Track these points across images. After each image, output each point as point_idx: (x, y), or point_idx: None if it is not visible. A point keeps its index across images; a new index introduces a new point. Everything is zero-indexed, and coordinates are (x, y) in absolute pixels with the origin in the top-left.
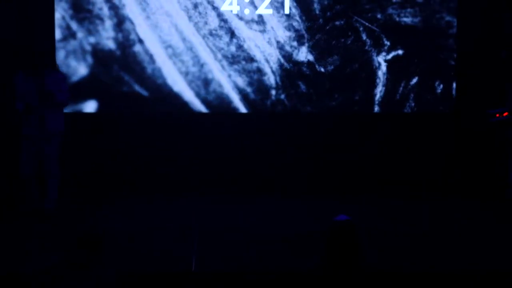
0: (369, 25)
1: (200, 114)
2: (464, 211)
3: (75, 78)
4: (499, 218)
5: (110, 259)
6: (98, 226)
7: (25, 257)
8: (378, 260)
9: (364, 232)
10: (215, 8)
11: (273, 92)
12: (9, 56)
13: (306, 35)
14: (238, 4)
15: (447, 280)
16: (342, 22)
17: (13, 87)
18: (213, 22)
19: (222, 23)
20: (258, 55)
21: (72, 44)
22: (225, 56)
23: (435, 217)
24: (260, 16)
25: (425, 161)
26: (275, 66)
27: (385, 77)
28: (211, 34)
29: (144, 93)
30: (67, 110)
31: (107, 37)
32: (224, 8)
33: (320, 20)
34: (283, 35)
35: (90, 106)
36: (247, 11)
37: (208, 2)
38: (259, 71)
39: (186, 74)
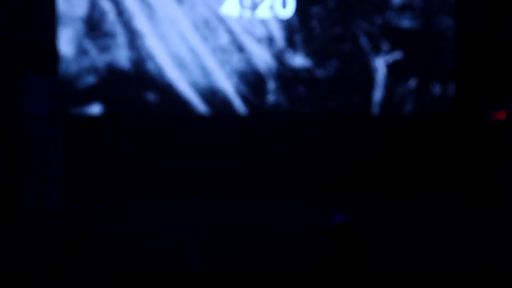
0: (368, 28)
1: (202, 117)
2: (463, 211)
3: (82, 83)
4: (498, 219)
5: (109, 258)
6: (99, 226)
7: (22, 257)
8: (377, 260)
9: (364, 231)
10: (221, 20)
11: (274, 95)
12: (10, 55)
13: (305, 39)
14: (237, 7)
15: (447, 279)
16: (341, 25)
17: (16, 88)
18: (221, 34)
19: (228, 35)
20: (258, 58)
21: (84, 59)
22: (227, 61)
23: (434, 217)
24: (259, 19)
25: (424, 162)
26: (274, 69)
27: (384, 79)
28: (217, 44)
29: (149, 97)
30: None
31: (117, 50)
32: (224, 11)
33: (320, 23)
34: (283, 39)
35: (95, 109)
36: (246, 14)
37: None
38: (259, 73)
39: (189, 77)
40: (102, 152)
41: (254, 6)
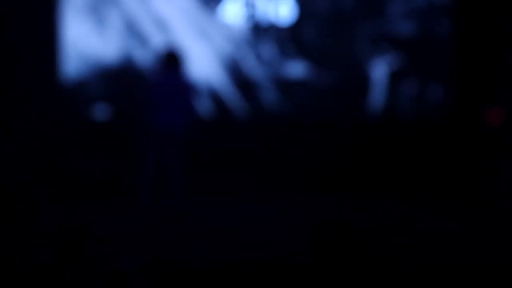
0: (370, 32)
1: (203, 118)
2: (463, 211)
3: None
4: (495, 218)
5: (107, 257)
6: (100, 225)
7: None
8: (378, 260)
9: (364, 231)
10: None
11: (274, 102)
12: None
13: (305, 45)
14: (239, 10)
15: (447, 279)
16: (340, 30)
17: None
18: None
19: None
20: (256, 66)
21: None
22: (227, 67)
23: (434, 217)
24: (258, 28)
25: (424, 163)
26: (274, 76)
27: (386, 82)
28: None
29: None
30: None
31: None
32: (225, 13)
33: (320, 30)
34: (282, 45)
35: (98, 110)
36: (247, 21)
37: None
38: (259, 81)
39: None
40: (104, 153)
41: (254, 13)
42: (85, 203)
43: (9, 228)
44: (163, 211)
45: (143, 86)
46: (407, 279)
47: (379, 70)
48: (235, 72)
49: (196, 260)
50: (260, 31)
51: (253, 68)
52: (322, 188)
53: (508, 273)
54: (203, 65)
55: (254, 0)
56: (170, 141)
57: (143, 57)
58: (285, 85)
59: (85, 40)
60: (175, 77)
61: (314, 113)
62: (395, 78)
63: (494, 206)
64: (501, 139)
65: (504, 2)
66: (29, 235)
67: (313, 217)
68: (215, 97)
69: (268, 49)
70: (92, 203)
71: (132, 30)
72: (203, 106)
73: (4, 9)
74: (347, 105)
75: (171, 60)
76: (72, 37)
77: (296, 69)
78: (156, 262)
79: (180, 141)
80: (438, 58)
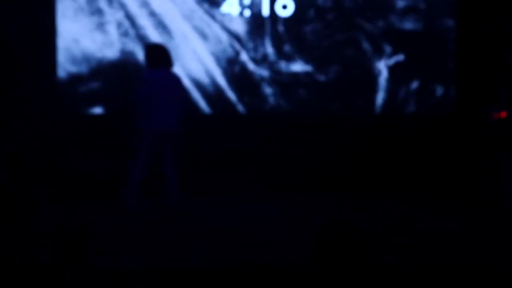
0: (370, 31)
1: (203, 116)
2: (463, 211)
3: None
4: (496, 219)
5: (107, 257)
6: (100, 225)
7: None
8: (378, 260)
9: (364, 231)
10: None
11: (274, 100)
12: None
13: (306, 42)
14: (238, 6)
15: (446, 279)
16: (343, 28)
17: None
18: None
19: (225, 29)
20: (256, 64)
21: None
22: (227, 65)
23: (434, 217)
24: (259, 19)
25: (424, 163)
26: (274, 74)
27: (386, 82)
28: (217, 44)
29: None
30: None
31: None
32: (224, 10)
33: (321, 27)
34: (282, 42)
35: (97, 109)
36: (246, 13)
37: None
38: (259, 79)
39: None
40: (102, 151)
41: (254, 5)
42: (85, 203)
43: (9, 228)
44: (163, 211)
45: (136, 85)
46: (407, 279)
47: (380, 69)
48: (234, 69)
49: (196, 260)
50: (260, 27)
51: (253, 65)
52: (322, 188)
53: (508, 273)
54: (202, 63)
55: None
56: (170, 141)
57: (142, 56)
58: (285, 83)
59: (84, 40)
60: (166, 74)
61: (314, 111)
62: (395, 77)
63: (494, 206)
64: (501, 138)
65: (504, 2)
66: (29, 235)
67: (313, 217)
68: (214, 95)
69: (268, 46)
70: (92, 203)
71: (131, 30)
72: (203, 105)
73: (4, 9)
74: (347, 104)
75: (160, 57)
76: (71, 37)
77: (296, 66)
78: (156, 262)
79: (178, 140)
80: (439, 58)
